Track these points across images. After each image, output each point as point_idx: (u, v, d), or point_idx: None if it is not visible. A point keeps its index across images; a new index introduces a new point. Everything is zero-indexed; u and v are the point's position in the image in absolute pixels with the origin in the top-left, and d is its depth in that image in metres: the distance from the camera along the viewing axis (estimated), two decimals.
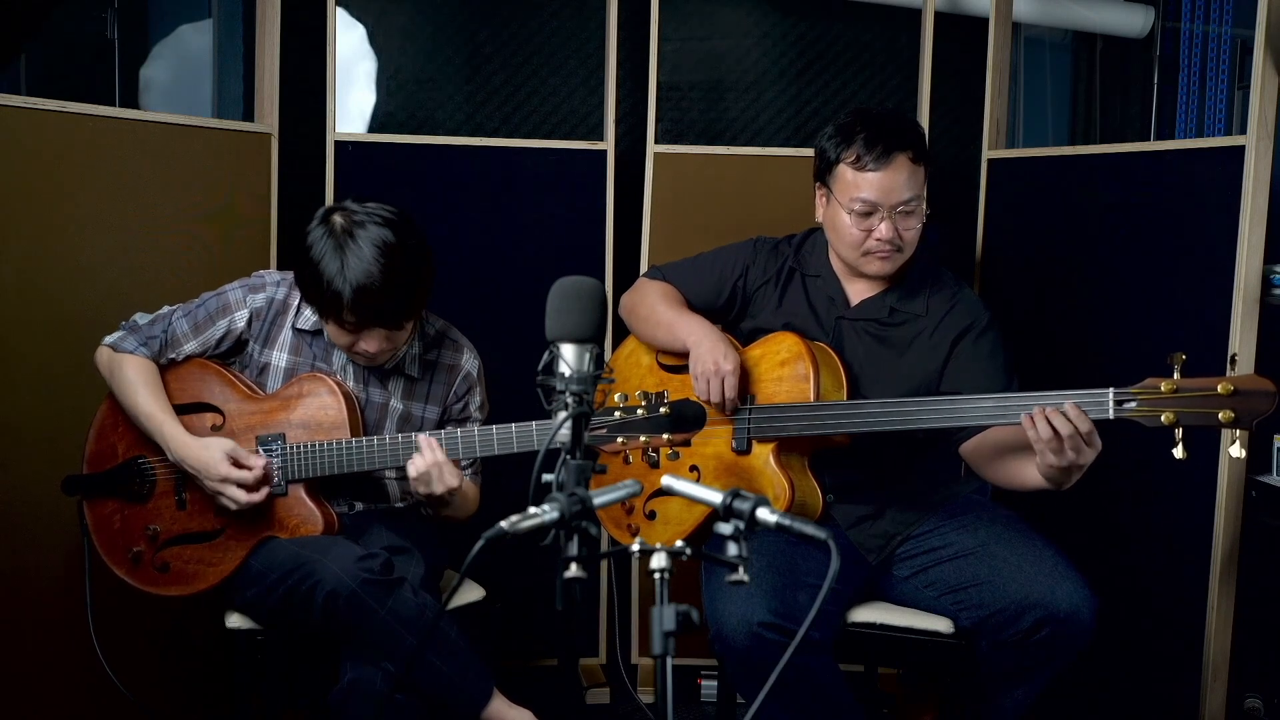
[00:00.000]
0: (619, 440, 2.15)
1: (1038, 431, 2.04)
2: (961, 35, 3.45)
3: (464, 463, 2.42)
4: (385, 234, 2.22)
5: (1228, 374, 2.58)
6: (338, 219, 2.25)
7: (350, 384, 2.40)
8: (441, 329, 2.50)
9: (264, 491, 2.30)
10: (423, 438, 2.28)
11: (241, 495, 2.28)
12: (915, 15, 3.31)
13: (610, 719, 3.12)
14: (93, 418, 2.45)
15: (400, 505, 2.49)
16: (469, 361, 2.50)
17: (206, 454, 2.29)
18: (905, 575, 2.38)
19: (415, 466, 2.27)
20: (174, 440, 2.32)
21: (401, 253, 2.23)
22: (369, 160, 3.07)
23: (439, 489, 2.27)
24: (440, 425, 2.47)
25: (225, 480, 2.28)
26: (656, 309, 2.53)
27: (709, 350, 2.37)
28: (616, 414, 2.11)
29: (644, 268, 3.11)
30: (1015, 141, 3.67)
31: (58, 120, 2.61)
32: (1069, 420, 2.02)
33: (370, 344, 2.29)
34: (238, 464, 2.29)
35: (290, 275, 2.38)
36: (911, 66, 3.33)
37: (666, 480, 1.56)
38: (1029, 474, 2.17)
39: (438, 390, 2.47)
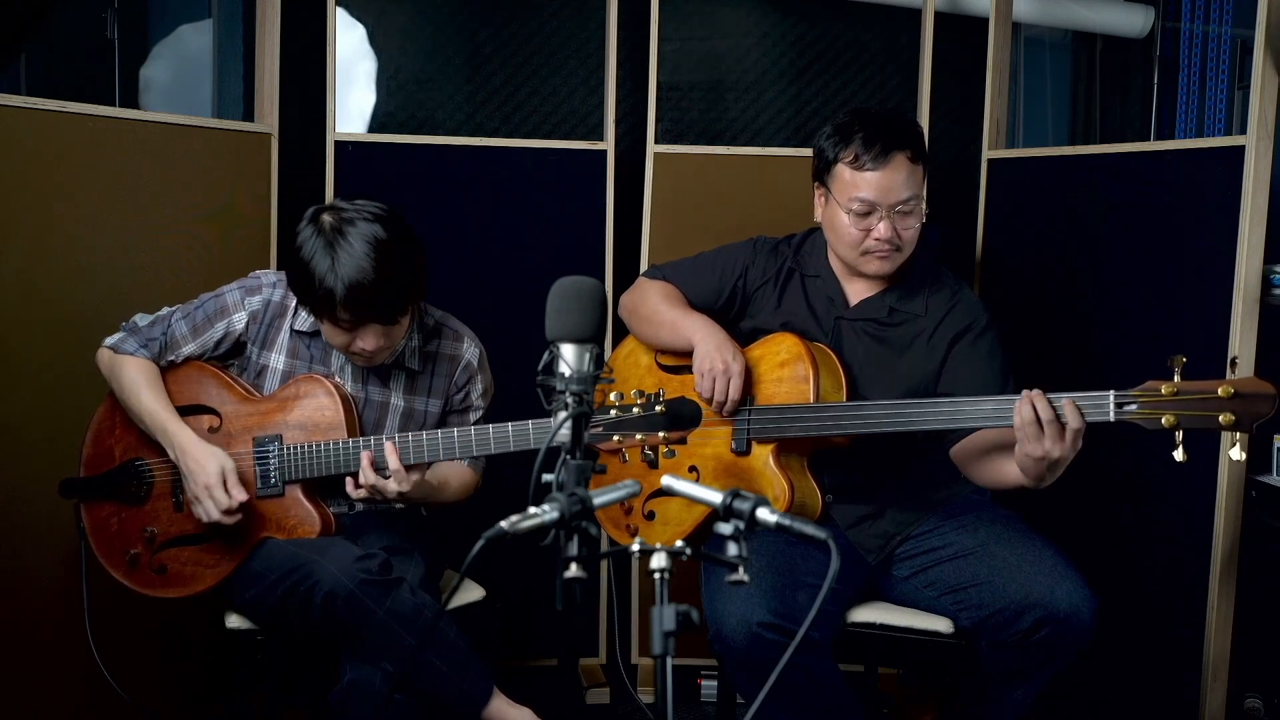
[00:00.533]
0: (614, 438, 2.15)
1: (1021, 415, 2.05)
2: (961, 35, 3.44)
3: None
4: (375, 229, 2.22)
5: (1228, 376, 2.58)
6: (326, 218, 2.25)
7: (349, 384, 2.40)
8: (440, 319, 2.50)
9: (235, 518, 2.29)
10: (365, 456, 2.26)
11: (214, 511, 2.27)
12: (915, 15, 3.30)
13: (610, 719, 3.11)
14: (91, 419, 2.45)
15: (399, 505, 2.49)
16: (469, 350, 2.49)
17: (206, 461, 2.28)
18: (905, 575, 2.38)
19: (351, 489, 2.27)
20: (178, 438, 2.32)
21: (392, 247, 2.22)
22: (369, 160, 3.07)
23: (380, 499, 2.28)
24: (442, 417, 2.48)
25: (208, 489, 2.27)
26: (659, 308, 2.53)
27: (717, 348, 2.37)
28: (612, 412, 2.11)
29: (644, 268, 3.11)
30: (1015, 141, 3.67)
31: (58, 120, 2.61)
32: (1050, 407, 2.04)
33: (367, 342, 2.29)
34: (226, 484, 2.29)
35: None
36: (911, 66, 3.33)
37: (666, 480, 1.56)
38: (1009, 469, 2.18)
39: (439, 383, 2.47)
